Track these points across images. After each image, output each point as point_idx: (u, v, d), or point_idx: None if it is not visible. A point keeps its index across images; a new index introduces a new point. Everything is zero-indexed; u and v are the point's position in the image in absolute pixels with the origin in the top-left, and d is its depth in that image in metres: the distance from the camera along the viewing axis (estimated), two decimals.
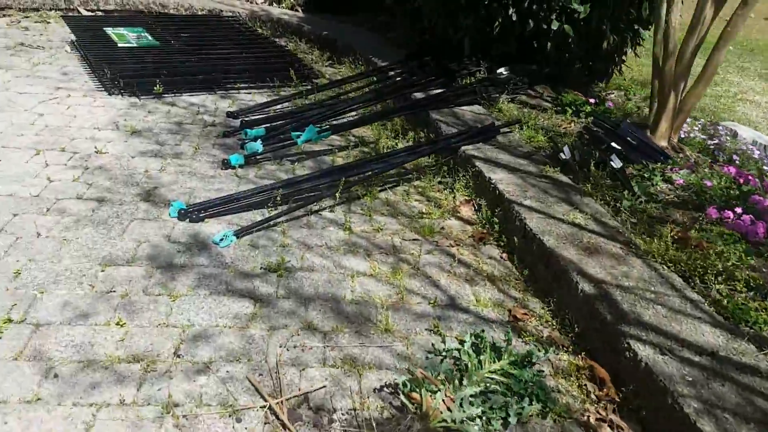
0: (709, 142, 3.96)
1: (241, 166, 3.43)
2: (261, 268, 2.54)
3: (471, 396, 1.87)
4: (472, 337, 2.14)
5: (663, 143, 3.51)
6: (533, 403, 1.90)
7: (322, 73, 5.31)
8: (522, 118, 3.87)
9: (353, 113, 4.21)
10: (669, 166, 3.15)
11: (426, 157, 3.56)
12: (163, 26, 6.01)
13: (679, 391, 1.77)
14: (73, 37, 5.63)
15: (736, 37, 3.23)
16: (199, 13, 6.98)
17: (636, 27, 4.44)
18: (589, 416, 1.92)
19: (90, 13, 6.69)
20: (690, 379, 1.83)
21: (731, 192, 2.81)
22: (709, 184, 2.86)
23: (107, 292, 2.29)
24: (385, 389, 1.97)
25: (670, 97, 3.38)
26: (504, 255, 2.81)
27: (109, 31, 5.50)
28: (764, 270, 2.42)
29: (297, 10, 7.24)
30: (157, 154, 3.48)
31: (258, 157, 3.53)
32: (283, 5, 7.39)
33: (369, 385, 1.98)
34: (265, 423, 1.80)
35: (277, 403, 1.85)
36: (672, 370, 1.86)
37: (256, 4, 7.40)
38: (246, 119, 3.95)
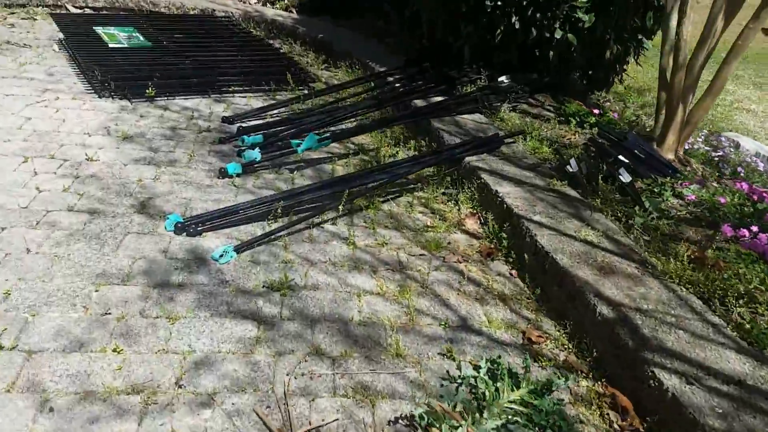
0: (713, 153, 3.91)
1: (238, 175, 3.31)
2: (263, 286, 2.43)
3: (492, 430, 1.78)
4: (488, 363, 2.06)
5: (670, 156, 3.45)
6: None
7: (318, 77, 5.20)
8: (525, 129, 3.79)
9: (352, 120, 4.12)
10: (678, 181, 3.09)
11: (430, 167, 3.46)
12: (155, 26, 5.85)
13: (710, 425, 1.70)
14: (61, 35, 5.46)
15: (746, 50, 3.18)
16: (191, 12, 6.83)
17: (639, 37, 4.39)
18: None
19: (78, 10, 6.52)
20: (720, 410, 1.75)
21: (745, 209, 2.76)
22: (722, 200, 2.79)
23: (102, 315, 2.17)
24: (400, 421, 1.87)
25: (678, 110, 3.32)
26: (513, 272, 2.73)
27: (99, 30, 5.33)
28: None
29: (291, 12, 7.12)
30: (151, 161, 3.36)
31: (256, 165, 3.42)
32: (277, 6, 7.26)
33: (383, 417, 1.88)
34: None
35: None
36: (700, 401, 1.78)
37: (250, 4, 7.26)
38: (243, 125, 3.83)
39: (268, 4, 7.34)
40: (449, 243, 2.91)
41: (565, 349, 2.26)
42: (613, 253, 2.49)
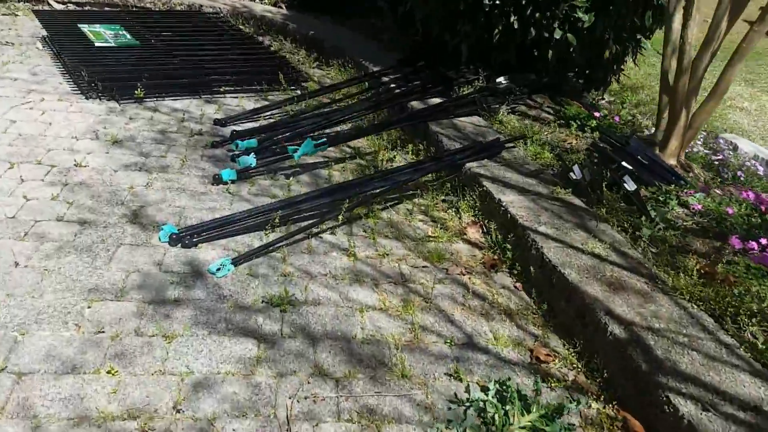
0: (713, 157, 3.87)
1: (233, 182, 3.22)
2: (263, 301, 2.35)
3: None
4: (497, 385, 1.99)
5: (672, 161, 3.41)
6: None
7: (311, 76, 5.10)
8: (526, 133, 3.73)
9: (348, 122, 4.03)
10: (683, 189, 3.04)
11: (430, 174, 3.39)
12: (142, 23, 5.70)
13: None
14: (44, 32, 5.30)
15: (750, 52, 3.13)
16: (178, 8, 6.68)
17: (638, 36, 4.33)
18: None
19: (62, 6, 6.35)
20: None
21: (752, 220, 2.71)
22: (730, 211, 2.75)
23: (95, 333, 2.08)
24: None
25: (681, 114, 3.27)
26: (518, 284, 2.67)
27: (85, 28, 5.18)
28: None
29: (281, 7, 6.99)
30: (142, 167, 3.25)
31: (251, 171, 3.32)
32: (266, 2, 7.12)
33: None
34: None
35: None
36: (717, 429, 1.73)
37: None
38: (236, 129, 3.73)
39: (257, 0, 7.20)
40: (451, 254, 2.84)
41: (574, 368, 2.20)
42: (621, 267, 2.43)
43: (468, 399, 1.97)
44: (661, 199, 2.94)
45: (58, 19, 5.66)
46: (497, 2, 3.94)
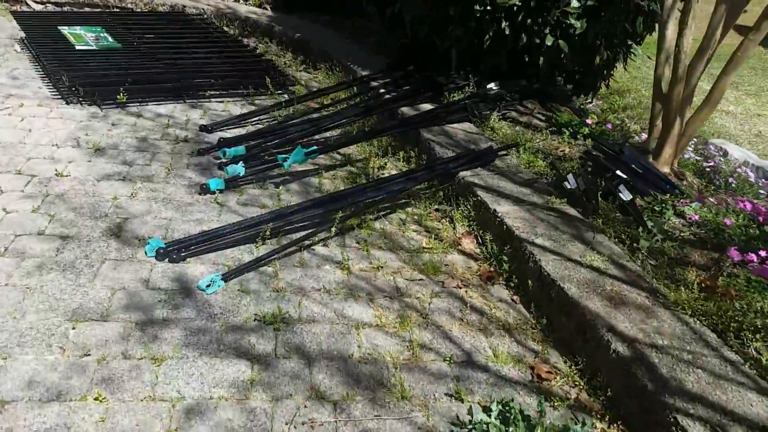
0: (704, 164, 3.86)
1: (221, 191, 3.13)
2: (255, 319, 2.27)
3: None
4: (499, 406, 1.94)
5: (665, 169, 3.38)
6: None
7: (298, 80, 5.01)
8: (518, 140, 3.68)
9: (338, 128, 3.95)
10: (679, 199, 3.01)
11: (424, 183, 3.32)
12: (123, 25, 5.56)
13: None
14: (22, 34, 5.15)
15: (745, 60, 3.12)
16: (161, 9, 6.55)
17: (629, 42, 4.31)
18: None
19: (41, 6, 6.19)
20: None
21: (750, 231, 2.69)
22: (728, 222, 2.72)
23: (81, 356, 1.99)
24: None
25: (675, 123, 3.25)
26: (515, 297, 2.62)
27: (65, 30, 5.04)
28: None
29: (265, 8, 6.88)
30: (126, 176, 3.15)
31: (239, 180, 3.24)
32: (250, 2, 7.01)
33: None
34: None
35: None
36: None
37: (221, 0, 7.00)
38: (224, 137, 3.63)
39: (241, 0, 7.08)
40: (447, 265, 2.78)
41: (577, 386, 2.15)
42: (621, 281, 2.39)
43: (470, 421, 1.91)
44: (657, 209, 2.91)
45: (36, 20, 5.51)
46: (488, 8, 3.89)
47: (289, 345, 2.17)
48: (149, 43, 5.19)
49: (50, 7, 6.23)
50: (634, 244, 2.66)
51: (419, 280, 2.66)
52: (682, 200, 3.00)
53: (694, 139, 4.29)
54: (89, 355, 2.00)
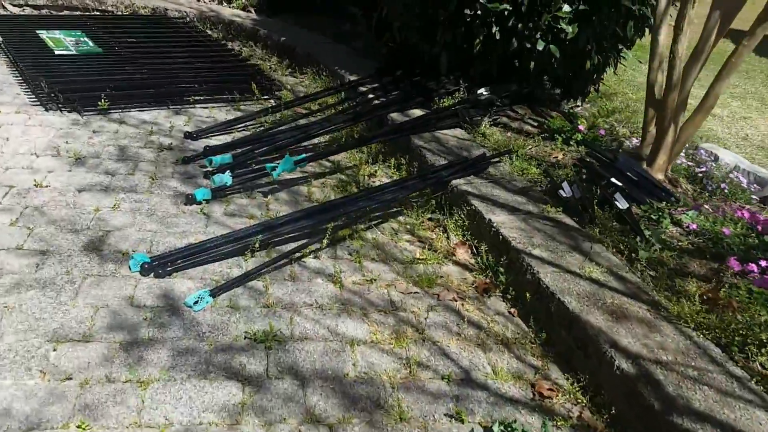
0: (697, 169, 3.83)
1: (207, 201, 3.04)
2: (245, 337, 2.18)
3: None
4: (501, 426, 1.87)
5: (660, 176, 3.35)
6: None
7: (284, 85, 4.91)
8: (511, 146, 3.62)
9: (327, 134, 3.87)
10: (675, 206, 2.97)
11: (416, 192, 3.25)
12: (104, 29, 5.43)
13: None
14: None
15: (739, 66, 3.08)
16: (142, 12, 6.41)
17: (620, 47, 4.28)
18: None
19: (18, 9, 6.03)
20: None
21: (749, 240, 2.65)
22: (726, 232, 2.68)
23: (62, 381, 1.89)
24: None
25: (669, 129, 3.21)
26: (513, 310, 2.55)
27: (44, 35, 4.90)
28: None
29: (249, 12, 6.77)
30: (108, 187, 3.04)
31: (226, 189, 3.14)
32: (234, 5, 6.90)
33: None
34: None
35: None
36: None
37: (205, 3, 6.88)
38: (209, 145, 3.53)
39: (224, 3, 6.96)
40: (441, 277, 2.71)
41: (579, 403, 2.09)
42: (622, 294, 2.33)
43: None
44: (653, 217, 2.86)
45: (14, 23, 5.36)
46: (479, 12, 3.83)
47: (282, 365, 2.09)
48: (131, 47, 5.07)
49: (28, 11, 6.06)
50: (633, 255, 2.61)
51: (414, 293, 2.58)
52: (678, 208, 2.96)
53: (686, 145, 4.27)
54: (71, 378, 1.90)
